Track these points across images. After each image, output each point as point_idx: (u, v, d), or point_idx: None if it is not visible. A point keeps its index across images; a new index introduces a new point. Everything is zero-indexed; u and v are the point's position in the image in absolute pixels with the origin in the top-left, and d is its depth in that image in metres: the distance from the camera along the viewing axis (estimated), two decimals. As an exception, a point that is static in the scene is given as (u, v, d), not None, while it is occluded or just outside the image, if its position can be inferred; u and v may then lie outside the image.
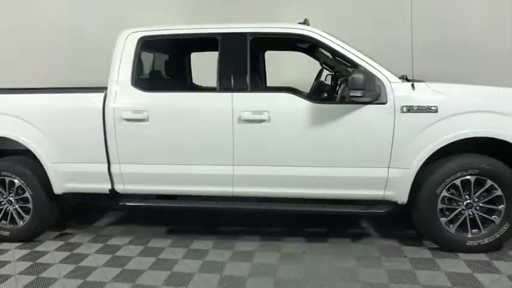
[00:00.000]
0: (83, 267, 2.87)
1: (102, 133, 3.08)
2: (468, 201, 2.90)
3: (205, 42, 3.11)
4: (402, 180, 2.87)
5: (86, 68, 4.73)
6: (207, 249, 3.10)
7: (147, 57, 3.21)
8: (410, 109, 2.80)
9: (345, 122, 2.86)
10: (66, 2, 5.12)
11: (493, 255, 2.88)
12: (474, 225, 2.91)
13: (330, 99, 3.18)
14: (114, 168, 3.15)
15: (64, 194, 3.27)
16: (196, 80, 4.12)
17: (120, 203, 3.21)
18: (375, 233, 3.40)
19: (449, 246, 2.94)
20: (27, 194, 3.27)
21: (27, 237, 3.33)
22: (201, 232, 3.46)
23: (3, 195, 3.33)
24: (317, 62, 3.58)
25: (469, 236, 2.92)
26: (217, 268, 2.79)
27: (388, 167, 2.88)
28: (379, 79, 2.84)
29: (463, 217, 2.91)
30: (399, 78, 2.90)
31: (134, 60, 3.11)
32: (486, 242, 2.88)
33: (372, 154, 2.88)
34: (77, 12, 4.97)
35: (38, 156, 3.18)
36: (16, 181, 3.26)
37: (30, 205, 3.28)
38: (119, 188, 3.19)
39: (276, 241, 3.23)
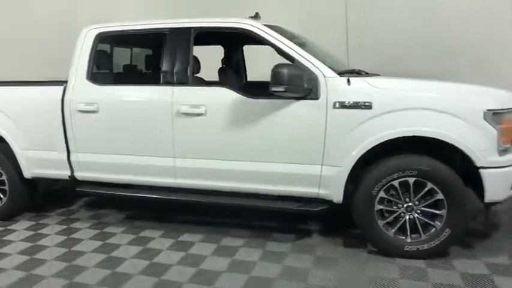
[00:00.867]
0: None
1: (61, 123, 3.32)
2: (408, 204, 2.74)
3: (155, 37, 3.22)
4: (336, 179, 2.78)
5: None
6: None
7: (103, 53, 3.39)
8: (343, 105, 2.70)
9: (277, 118, 2.82)
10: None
11: (433, 262, 2.69)
12: (417, 229, 2.75)
13: (265, 94, 3.09)
14: (73, 156, 3.38)
15: (33, 178, 3.58)
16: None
17: (77, 189, 3.45)
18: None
19: (386, 250, 2.80)
20: (3, 178, 3.63)
21: (5, 216, 3.69)
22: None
23: (-15, 177, 3.72)
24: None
25: (408, 240, 2.75)
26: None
27: (322, 165, 2.80)
28: (313, 73, 2.76)
29: (402, 220, 2.76)
30: (349, 73, 2.80)
31: (90, 55, 3.31)
32: (425, 248, 2.70)
33: (305, 151, 2.82)
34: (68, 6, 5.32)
35: (9, 143, 3.50)
36: (-3, 165, 3.63)
37: (6, 188, 3.64)
38: (78, 175, 3.43)
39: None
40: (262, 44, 2.99)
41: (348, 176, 2.76)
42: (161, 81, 3.10)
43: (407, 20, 4.58)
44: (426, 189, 2.66)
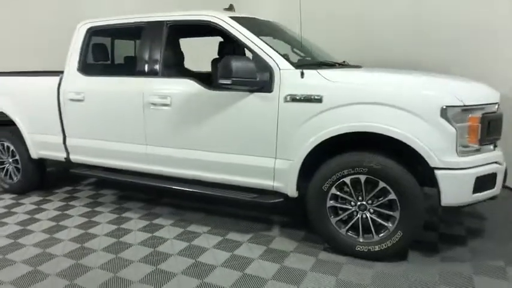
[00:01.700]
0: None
1: (57, 110, 3.67)
2: (362, 202, 2.62)
3: (136, 31, 3.38)
4: (288, 172, 2.75)
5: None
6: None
7: (92, 45, 3.64)
8: (294, 98, 2.64)
9: (233, 110, 2.85)
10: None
11: (378, 265, 2.57)
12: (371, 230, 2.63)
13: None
14: (68, 140, 3.72)
15: (39, 158, 4.01)
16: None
17: (71, 170, 3.80)
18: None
19: (338, 248, 2.72)
20: (17, 157, 4.11)
21: (19, 191, 4.19)
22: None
23: (4, 156, 4.23)
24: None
25: (361, 240, 2.65)
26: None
27: (275, 158, 2.79)
28: (269, 66, 2.73)
29: (354, 219, 2.66)
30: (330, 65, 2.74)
31: (81, 48, 3.59)
32: (377, 249, 2.59)
33: (259, 143, 2.82)
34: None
35: (19, 127, 3.94)
36: (11, 146, 4.12)
37: (19, 166, 4.13)
38: (72, 157, 3.77)
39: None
40: (226, 36, 3.00)
41: (300, 170, 2.71)
42: (136, 72, 3.27)
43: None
44: (378, 188, 2.53)
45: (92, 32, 3.61)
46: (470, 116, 2.38)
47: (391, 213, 2.54)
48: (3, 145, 4.19)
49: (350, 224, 2.67)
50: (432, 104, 2.34)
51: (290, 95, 2.65)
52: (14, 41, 5.78)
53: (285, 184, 2.80)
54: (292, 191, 2.78)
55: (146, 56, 3.22)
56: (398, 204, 2.49)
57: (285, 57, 2.82)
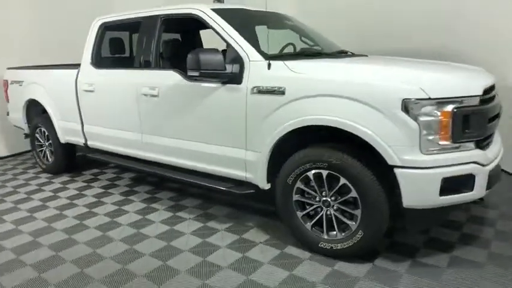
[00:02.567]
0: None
1: (76, 100, 4.06)
2: (325, 198, 2.54)
3: (138, 25, 3.58)
4: (257, 164, 2.75)
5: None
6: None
7: (105, 40, 3.93)
8: (259, 90, 2.63)
9: (208, 101, 2.91)
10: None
11: (339, 264, 2.47)
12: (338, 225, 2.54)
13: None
14: (85, 127, 4.11)
15: (66, 143, 4.47)
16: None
17: (87, 155, 4.19)
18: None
19: (303, 243, 2.67)
20: (51, 141, 4.65)
21: (53, 171, 4.74)
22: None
23: (42, 140, 4.80)
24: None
25: (325, 237, 2.57)
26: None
27: (245, 149, 2.80)
28: (241, 57, 2.74)
29: (319, 215, 2.58)
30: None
31: (94, 43, 3.91)
32: (339, 247, 2.49)
33: (231, 134, 2.85)
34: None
35: (50, 114, 4.44)
36: (46, 131, 4.67)
37: (52, 149, 4.66)
38: (89, 143, 4.15)
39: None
40: (208, 28, 3.06)
41: (269, 163, 2.70)
42: (134, 65, 3.49)
43: None
44: (340, 184, 2.43)
45: (105, 27, 3.90)
46: (439, 110, 2.16)
47: (353, 211, 2.42)
48: (41, 130, 4.76)
49: (314, 219, 2.60)
50: (391, 96, 2.16)
51: (256, 87, 2.64)
52: (50, 37, 6.08)
53: (255, 176, 2.80)
54: (262, 182, 2.78)
55: (141, 49, 3.42)
56: (359, 203, 2.37)
57: (258, 48, 2.79)
